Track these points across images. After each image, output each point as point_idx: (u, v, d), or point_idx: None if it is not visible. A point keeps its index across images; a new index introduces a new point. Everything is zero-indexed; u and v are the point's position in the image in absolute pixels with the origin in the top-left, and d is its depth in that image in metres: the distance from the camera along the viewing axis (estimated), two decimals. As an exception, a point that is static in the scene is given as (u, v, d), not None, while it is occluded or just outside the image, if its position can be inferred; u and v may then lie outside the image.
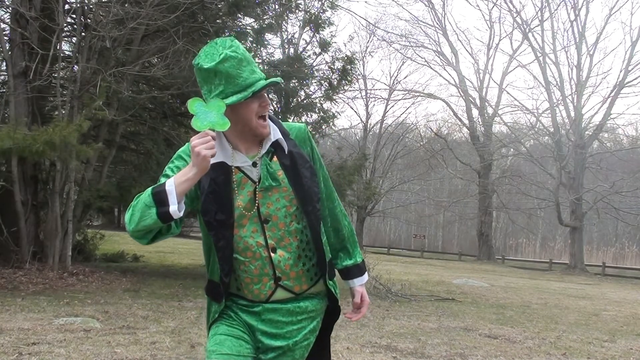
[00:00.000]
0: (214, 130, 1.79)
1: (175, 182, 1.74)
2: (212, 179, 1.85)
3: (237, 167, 1.90)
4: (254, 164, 1.91)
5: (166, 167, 1.91)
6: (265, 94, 1.90)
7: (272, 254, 1.90)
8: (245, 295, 1.96)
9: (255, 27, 12.23)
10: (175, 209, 1.72)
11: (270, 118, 1.96)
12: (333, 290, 2.06)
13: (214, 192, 1.85)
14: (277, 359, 1.99)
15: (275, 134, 1.95)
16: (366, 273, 2.19)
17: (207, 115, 1.81)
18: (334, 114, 14.01)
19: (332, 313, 2.13)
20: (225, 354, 1.88)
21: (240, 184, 1.90)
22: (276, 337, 1.97)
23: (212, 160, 1.80)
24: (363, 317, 7.48)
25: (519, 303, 10.88)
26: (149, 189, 1.79)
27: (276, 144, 1.93)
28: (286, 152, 1.93)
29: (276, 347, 1.97)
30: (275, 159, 1.93)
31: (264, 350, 1.99)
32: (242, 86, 1.82)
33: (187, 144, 1.89)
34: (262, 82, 1.83)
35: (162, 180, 1.82)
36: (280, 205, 1.91)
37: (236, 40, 1.89)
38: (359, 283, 2.14)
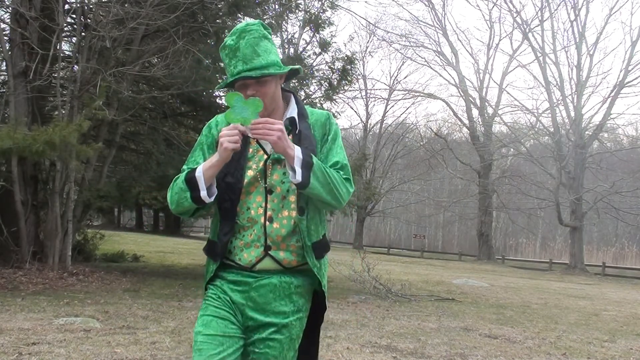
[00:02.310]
0: (243, 126, 1.89)
1: (203, 169, 1.95)
2: None
3: (255, 139, 2.01)
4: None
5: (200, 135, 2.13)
6: (254, 85, 1.96)
7: (268, 223, 1.99)
8: (235, 259, 2.03)
9: (256, 27, 12.19)
10: (205, 194, 1.94)
11: (295, 100, 2.12)
12: (316, 271, 2.06)
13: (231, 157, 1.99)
14: (274, 335, 2.02)
15: (292, 112, 2.08)
16: (300, 173, 1.92)
17: (243, 110, 1.90)
18: (334, 114, 14.02)
19: (320, 303, 2.16)
20: (211, 334, 1.97)
21: (255, 154, 2.03)
22: (266, 311, 2.02)
23: None
24: (363, 317, 7.50)
25: (519, 303, 10.87)
26: (184, 174, 2.00)
27: (294, 123, 2.06)
28: (298, 133, 2.04)
29: (269, 324, 2.02)
30: (290, 136, 2.02)
31: (256, 328, 2.03)
32: (229, 75, 1.99)
33: (215, 117, 2.13)
34: (233, 76, 1.96)
35: (197, 151, 2.09)
36: (286, 179, 2.00)
37: (251, 26, 2.00)
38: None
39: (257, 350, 2.03)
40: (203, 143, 2.09)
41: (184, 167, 2.07)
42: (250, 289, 2.02)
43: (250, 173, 2.01)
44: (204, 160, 2.03)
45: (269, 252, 2.00)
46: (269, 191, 2.00)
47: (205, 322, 2.00)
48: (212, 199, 1.97)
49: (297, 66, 2.08)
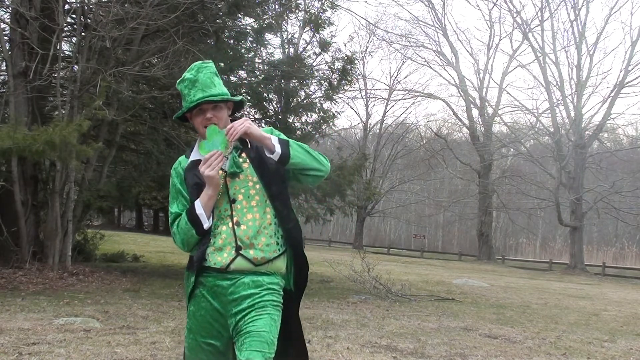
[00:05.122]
0: (226, 148, 2.25)
1: (202, 203, 2.28)
2: (194, 174, 2.34)
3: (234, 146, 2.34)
4: (225, 157, 2.33)
5: (170, 186, 2.45)
6: (211, 110, 2.32)
7: (236, 227, 2.30)
8: (211, 264, 2.31)
9: (255, 27, 12.21)
10: (207, 225, 2.30)
11: None
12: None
13: (196, 184, 2.34)
14: (255, 312, 2.23)
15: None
16: (279, 147, 2.32)
17: (215, 142, 2.26)
18: (334, 114, 13.99)
19: (301, 282, 2.44)
20: None
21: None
22: (242, 296, 2.28)
23: (193, 158, 2.37)
24: (363, 317, 7.50)
25: (519, 303, 10.87)
26: (185, 216, 2.32)
27: (244, 143, 2.38)
28: (252, 147, 2.37)
29: (245, 297, 2.27)
30: (243, 155, 2.37)
31: (235, 312, 2.27)
32: (188, 102, 2.34)
33: (178, 160, 2.47)
34: (191, 105, 2.32)
35: (173, 192, 2.40)
36: (245, 188, 2.33)
37: (207, 64, 2.39)
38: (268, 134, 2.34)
39: (245, 323, 2.23)
40: (176, 184, 2.40)
41: (171, 209, 2.39)
42: (227, 293, 2.30)
43: None
44: (184, 197, 2.37)
45: (240, 252, 2.29)
46: (232, 200, 2.32)
47: (192, 346, 2.40)
48: (211, 221, 2.30)
49: (241, 97, 2.45)
